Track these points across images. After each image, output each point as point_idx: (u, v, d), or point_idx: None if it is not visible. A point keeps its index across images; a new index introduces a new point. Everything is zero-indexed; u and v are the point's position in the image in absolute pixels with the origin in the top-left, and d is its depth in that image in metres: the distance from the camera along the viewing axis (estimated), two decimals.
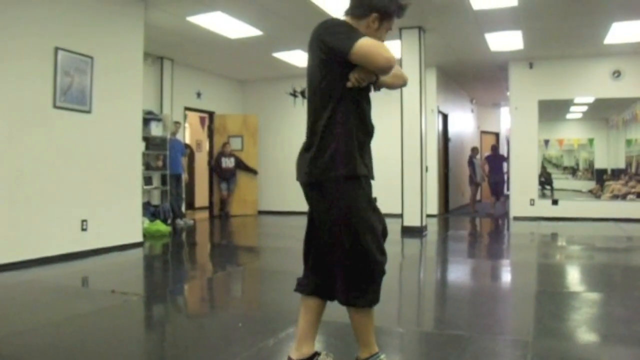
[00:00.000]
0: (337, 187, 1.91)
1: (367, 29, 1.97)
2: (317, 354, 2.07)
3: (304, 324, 2.05)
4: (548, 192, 9.05)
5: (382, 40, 2.00)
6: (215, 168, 9.87)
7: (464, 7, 6.09)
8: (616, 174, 8.70)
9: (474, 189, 11.10)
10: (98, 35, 5.35)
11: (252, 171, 10.16)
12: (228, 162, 9.73)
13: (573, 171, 9.04)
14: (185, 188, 8.95)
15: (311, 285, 2.05)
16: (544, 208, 8.92)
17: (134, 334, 2.98)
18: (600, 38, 7.38)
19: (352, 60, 1.84)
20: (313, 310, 2.05)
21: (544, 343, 2.55)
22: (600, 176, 8.80)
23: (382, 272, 1.97)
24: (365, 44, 1.81)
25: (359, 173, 1.92)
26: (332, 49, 1.87)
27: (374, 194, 2.02)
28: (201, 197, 11.20)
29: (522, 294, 3.85)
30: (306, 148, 1.99)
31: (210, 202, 10.18)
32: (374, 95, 2.04)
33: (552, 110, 8.99)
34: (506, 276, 4.78)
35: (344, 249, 1.91)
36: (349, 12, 2.02)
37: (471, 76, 10.62)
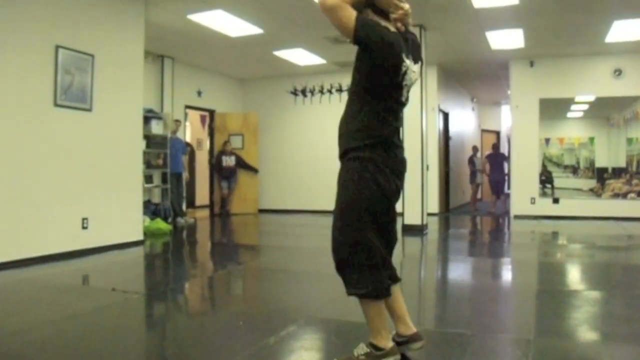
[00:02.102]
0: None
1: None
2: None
3: (399, 306, 2.24)
4: (549, 191, 9.04)
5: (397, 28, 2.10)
6: (215, 166, 9.87)
7: (465, 6, 6.07)
8: (617, 172, 8.69)
9: (475, 188, 11.10)
10: (99, 34, 5.35)
11: (253, 169, 10.16)
12: (228, 161, 9.73)
13: (574, 170, 9.03)
14: (186, 186, 8.95)
15: (389, 281, 2.16)
16: (545, 207, 8.92)
17: (135, 332, 2.97)
18: (601, 36, 7.36)
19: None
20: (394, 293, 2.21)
21: (545, 342, 2.55)
22: (601, 175, 8.80)
23: None
24: None
25: None
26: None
27: None
28: (202, 195, 11.20)
29: (523, 292, 3.85)
30: (396, 142, 2.12)
31: (211, 200, 10.18)
32: None
33: (553, 109, 8.98)
34: (507, 275, 4.77)
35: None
36: None
37: (472, 74, 10.60)
